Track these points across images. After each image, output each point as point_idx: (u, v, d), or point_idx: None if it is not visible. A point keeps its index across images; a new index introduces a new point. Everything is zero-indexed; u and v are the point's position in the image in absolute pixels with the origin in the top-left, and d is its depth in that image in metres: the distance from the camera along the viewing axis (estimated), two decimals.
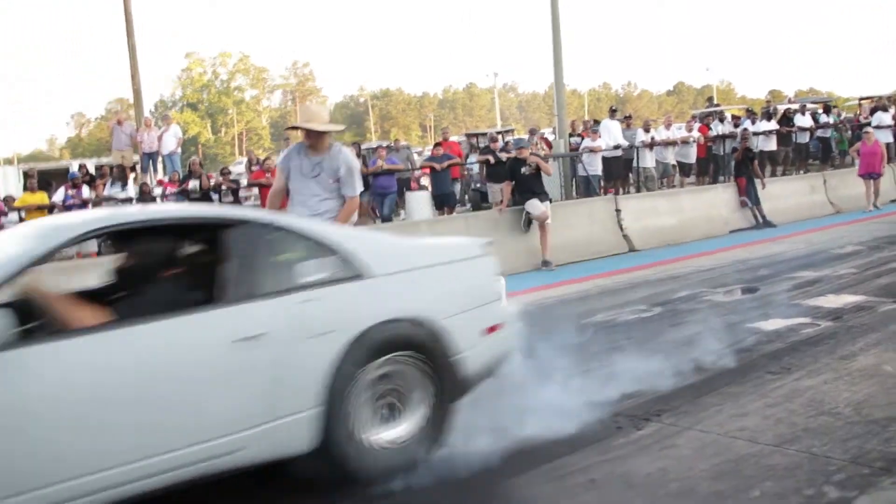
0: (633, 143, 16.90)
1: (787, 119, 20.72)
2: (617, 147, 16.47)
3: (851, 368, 5.60)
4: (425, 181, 17.40)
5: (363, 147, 20.65)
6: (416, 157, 22.06)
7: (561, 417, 4.79)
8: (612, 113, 18.55)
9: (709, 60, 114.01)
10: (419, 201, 15.00)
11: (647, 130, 17.61)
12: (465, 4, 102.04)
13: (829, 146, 21.09)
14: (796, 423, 4.59)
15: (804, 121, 20.67)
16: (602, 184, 16.24)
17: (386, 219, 14.01)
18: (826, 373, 5.52)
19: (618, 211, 13.37)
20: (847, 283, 8.74)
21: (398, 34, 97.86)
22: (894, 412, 4.64)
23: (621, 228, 13.24)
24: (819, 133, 20.90)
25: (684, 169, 18.04)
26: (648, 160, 16.94)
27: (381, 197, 14.53)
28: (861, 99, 28.07)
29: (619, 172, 16.88)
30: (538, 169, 11.98)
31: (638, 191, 16.56)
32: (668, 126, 18.44)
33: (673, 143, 17.47)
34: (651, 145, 17.01)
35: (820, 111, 22.56)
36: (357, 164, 6.46)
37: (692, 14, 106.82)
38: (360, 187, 6.22)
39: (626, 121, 18.72)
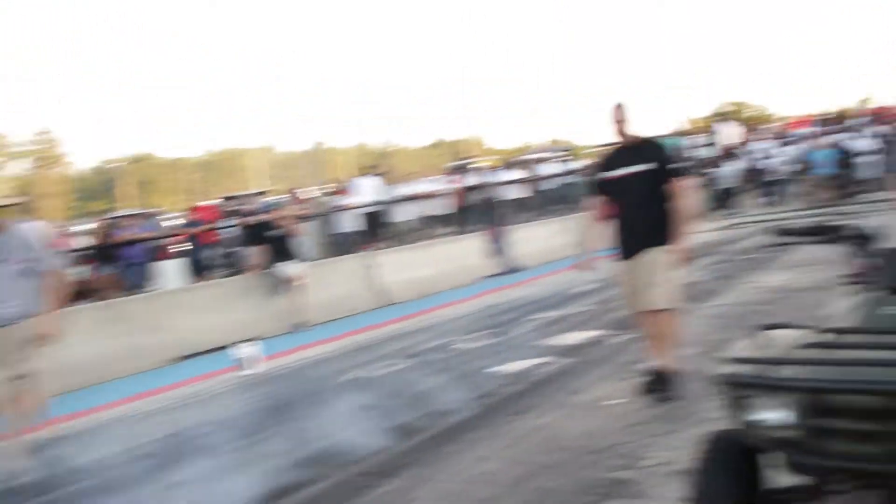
0: (388, 198, 17.19)
1: (533, 168, 21.94)
2: (372, 203, 16.68)
3: (583, 401, 5.87)
4: (180, 247, 16.77)
5: (112, 216, 19.57)
6: (177, 222, 21.25)
7: (300, 481, 4.68)
8: (368, 169, 18.83)
9: (464, 114, 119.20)
10: (172, 269, 14.40)
11: (402, 185, 18.01)
12: (215, 66, 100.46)
13: (573, 191, 22.48)
14: (533, 462, 4.73)
15: (549, 169, 21.97)
16: (364, 239, 16.35)
17: (135, 289, 13.30)
18: (562, 409, 5.76)
19: (375, 266, 13.47)
20: (585, 319, 9.26)
21: (153, 97, 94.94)
22: (618, 439, 4.89)
23: (379, 283, 13.33)
24: (566, 179, 22.25)
25: (440, 220, 18.55)
26: (404, 214, 17.29)
27: (130, 267, 13.81)
28: (599, 146, 30.25)
29: (376, 228, 17.08)
30: (289, 230, 11.91)
31: (395, 245, 16.79)
32: (423, 180, 18.98)
33: (428, 196, 17.96)
34: (407, 199, 17.39)
35: (568, 159, 24.10)
36: (43, 232, 6.05)
37: (447, 70, 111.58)
38: (53, 259, 5.80)
39: (382, 176, 19.04)
